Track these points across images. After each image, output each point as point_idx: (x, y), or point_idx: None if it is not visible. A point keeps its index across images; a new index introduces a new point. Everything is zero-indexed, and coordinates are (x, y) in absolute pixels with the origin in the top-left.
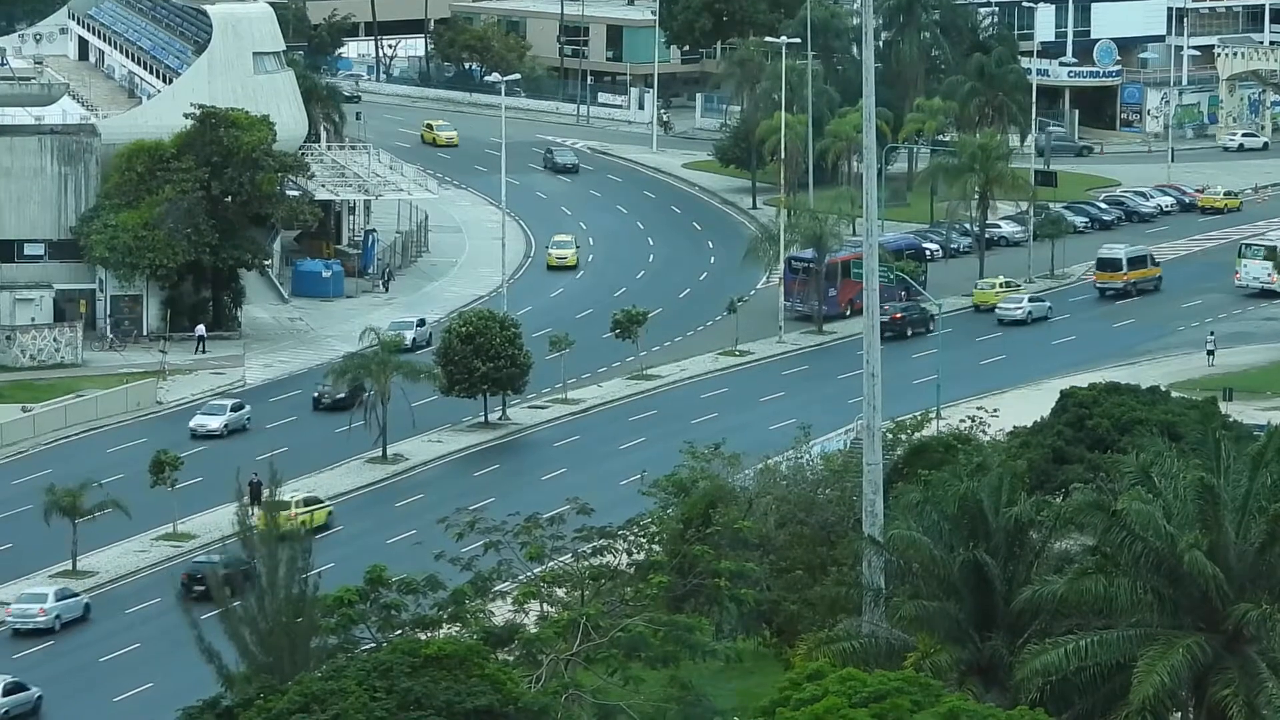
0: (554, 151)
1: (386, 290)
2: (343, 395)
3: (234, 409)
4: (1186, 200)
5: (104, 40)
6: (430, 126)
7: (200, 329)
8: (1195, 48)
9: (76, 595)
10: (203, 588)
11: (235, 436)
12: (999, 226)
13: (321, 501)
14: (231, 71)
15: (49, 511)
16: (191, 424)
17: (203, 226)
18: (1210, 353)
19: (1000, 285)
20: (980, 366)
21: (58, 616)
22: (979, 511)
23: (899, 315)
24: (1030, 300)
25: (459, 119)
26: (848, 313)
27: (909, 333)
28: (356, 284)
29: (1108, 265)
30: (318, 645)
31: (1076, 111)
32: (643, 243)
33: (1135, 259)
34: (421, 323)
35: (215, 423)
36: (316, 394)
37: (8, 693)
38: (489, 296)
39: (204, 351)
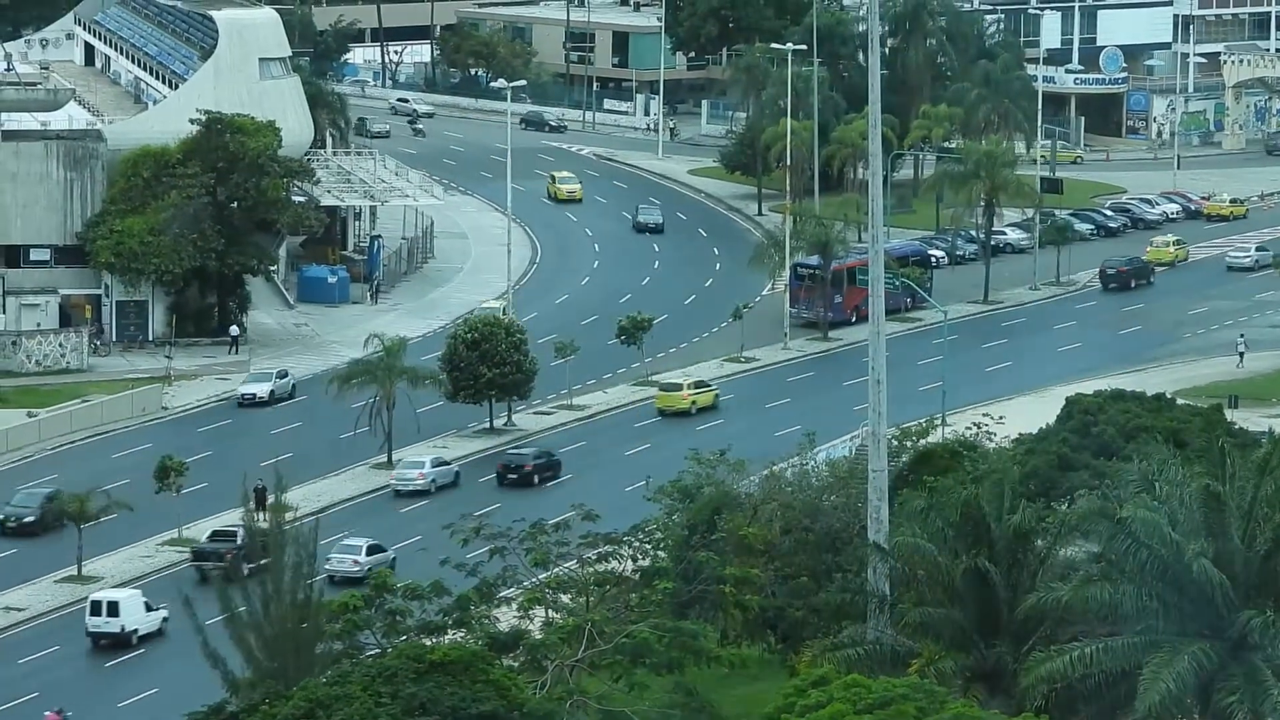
0: (641, 210)
1: (375, 302)
2: (33, 519)
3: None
4: (1192, 207)
5: (110, 46)
6: (554, 178)
7: (234, 329)
8: (1201, 55)
9: (449, 464)
10: (515, 477)
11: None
12: (1004, 233)
13: (709, 384)
14: (237, 77)
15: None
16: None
17: (208, 232)
18: (1241, 354)
19: (1173, 244)
20: (986, 373)
21: (433, 481)
22: (981, 519)
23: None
24: (1257, 249)
25: (464, 125)
26: (853, 319)
27: (1132, 284)
28: (362, 289)
29: None
30: (323, 651)
31: (1082, 119)
32: (648, 249)
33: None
34: (283, 374)
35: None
36: (2, 516)
37: (369, 553)
38: (494, 301)
39: (237, 352)
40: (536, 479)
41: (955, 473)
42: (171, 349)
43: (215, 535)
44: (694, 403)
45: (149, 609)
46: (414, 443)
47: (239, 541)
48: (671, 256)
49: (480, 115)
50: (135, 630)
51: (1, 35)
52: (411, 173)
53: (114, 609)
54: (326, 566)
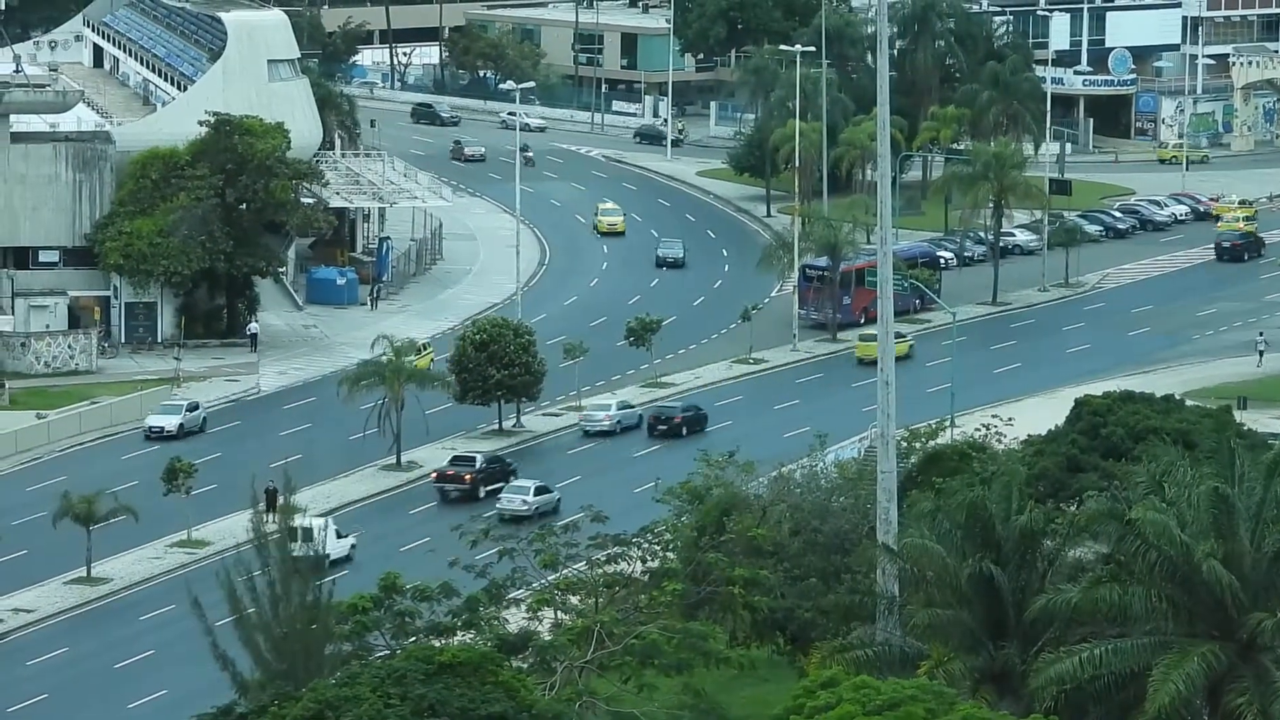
0: (662, 243)
1: (375, 308)
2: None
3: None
4: (1201, 209)
5: (119, 47)
6: (598, 209)
7: (254, 326)
8: (1210, 57)
9: (633, 408)
10: (664, 428)
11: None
12: (1013, 235)
13: (904, 335)
14: (246, 79)
15: (58, 518)
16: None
17: (217, 234)
18: (1260, 353)
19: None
20: (994, 374)
21: (619, 422)
22: (989, 520)
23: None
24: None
25: (473, 128)
26: (862, 321)
27: (1245, 257)
28: (385, 285)
29: None
30: (332, 652)
31: (1091, 120)
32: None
33: None
34: (194, 407)
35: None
36: None
37: (537, 493)
38: (503, 304)
39: (256, 350)
40: (684, 430)
41: (964, 474)
42: (180, 350)
43: (456, 460)
44: None
45: (339, 536)
46: (423, 444)
47: (478, 465)
48: (680, 258)
49: (489, 117)
50: (327, 555)
51: (10, 37)
52: (420, 174)
53: (308, 534)
54: (497, 506)
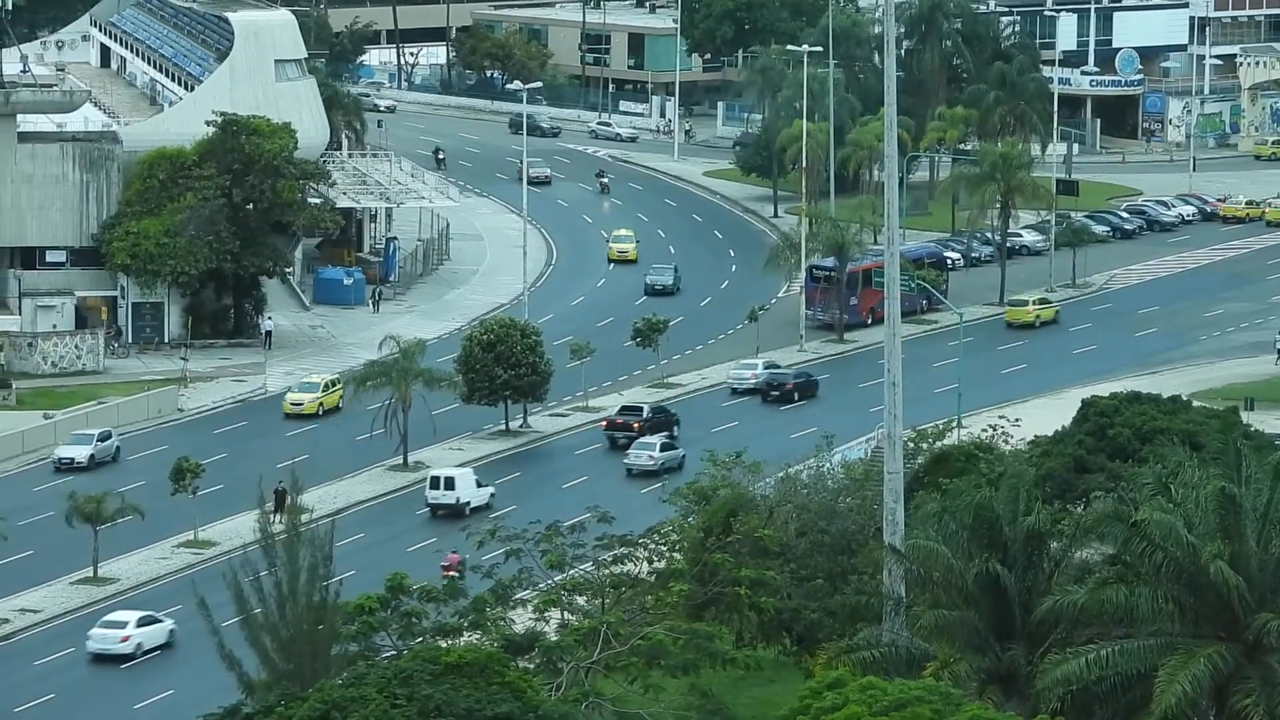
0: (652, 270)
1: (378, 311)
2: None
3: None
4: (1208, 209)
5: (126, 47)
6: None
7: (269, 323)
8: (1217, 57)
9: (780, 368)
10: (777, 394)
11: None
12: (1020, 235)
13: (1051, 302)
14: (253, 79)
15: (70, 518)
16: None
17: (224, 234)
18: (1279, 352)
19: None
20: (1001, 375)
21: (766, 381)
22: (994, 521)
23: None
24: None
25: (480, 127)
26: (869, 321)
27: None
28: (386, 288)
29: None
30: (338, 652)
31: (1098, 121)
32: (664, 251)
33: None
34: (105, 436)
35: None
36: None
37: (662, 449)
38: (510, 304)
39: (269, 347)
40: (796, 396)
41: (971, 475)
42: (187, 350)
43: (624, 409)
44: (1038, 317)
45: (478, 485)
46: (430, 445)
47: (645, 414)
48: (687, 259)
49: (496, 117)
50: (468, 503)
51: (17, 37)
52: (427, 174)
53: (450, 483)
54: (625, 462)
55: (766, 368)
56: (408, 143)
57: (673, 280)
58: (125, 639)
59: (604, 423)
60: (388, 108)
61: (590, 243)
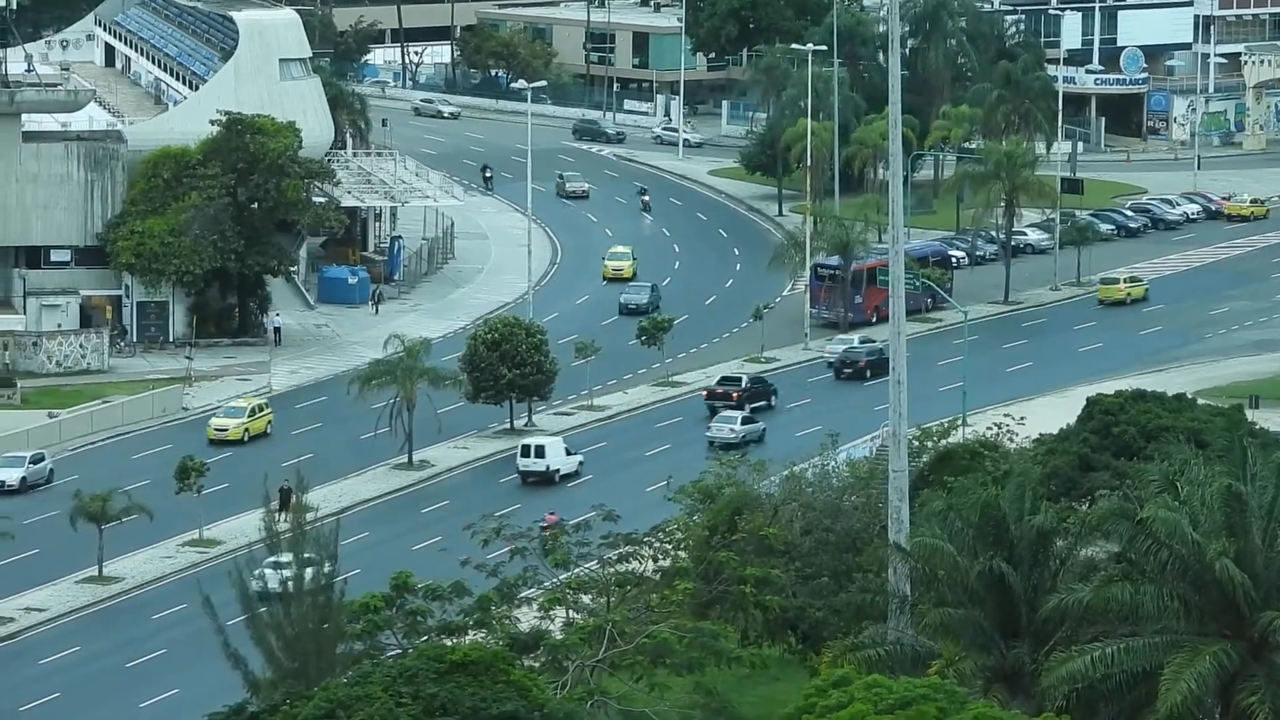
0: (627, 290)
1: (377, 313)
2: None
3: (34, 460)
4: (1213, 208)
5: (130, 46)
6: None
7: (277, 320)
8: (1222, 55)
9: (873, 341)
10: (850, 371)
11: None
12: (1025, 234)
13: (1140, 280)
14: (258, 78)
15: (75, 517)
16: None
17: (228, 233)
18: None
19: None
20: (1006, 373)
21: (867, 354)
22: (1000, 520)
23: None
24: None
25: (485, 126)
26: (873, 320)
27: None
28: (386, 289)
29: None
30: (343, 651)
31: (1103, 119)
32: (668, 249)
33: None
34: (38, 459)
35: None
36: None
37: (744, 423)
38: (515, 303)
39: (279, 343)
40: (869, 373)
41: (976, 473)
42: (192, 350)
43: (724, 379)
44: (1129, 294)
45: (568, 453)
46: (434, 443)
47: (744, 385)
48: (692, 257)
49: (500, 116)
50: (558, 470)
51: (22, 36)
52: (432, 173)
53: (540, 451)
54: (707, 434)
55: (863, 342)
56: (412, 142)
57: (648, 299)
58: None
59: (704, 392)
60: (451, 114)
61: (594, 241)
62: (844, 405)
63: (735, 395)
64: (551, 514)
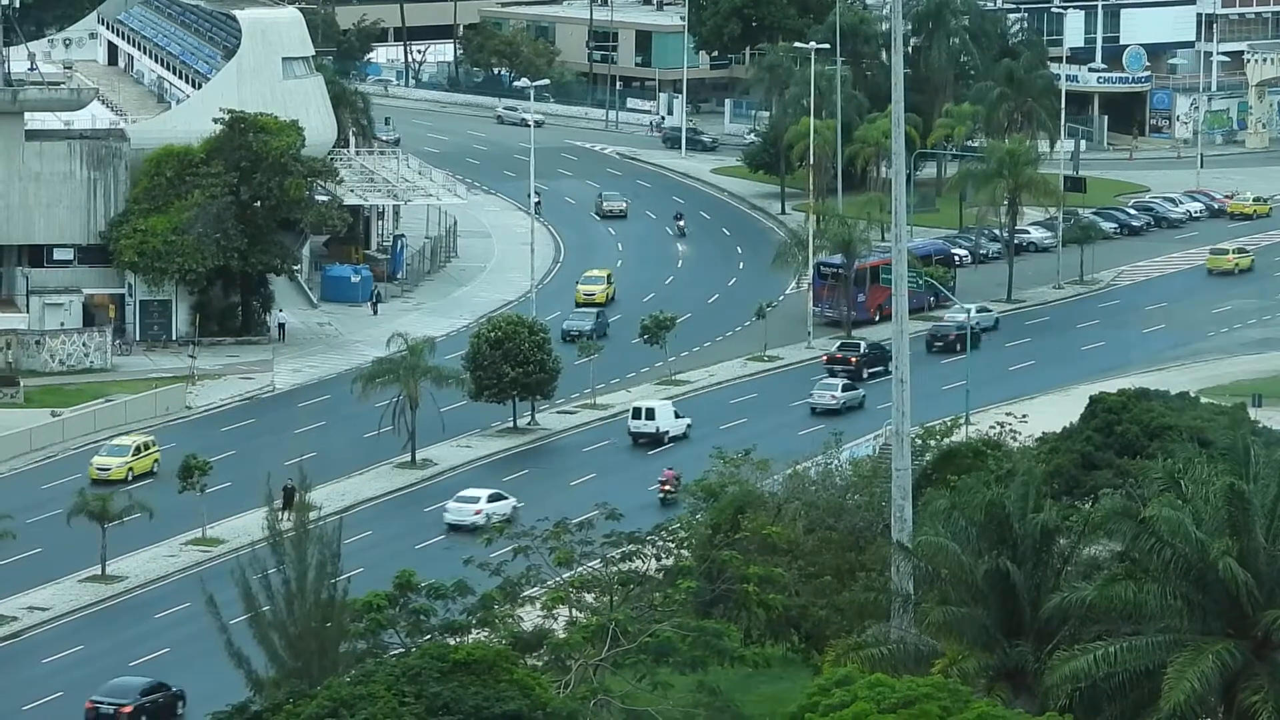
0: (572, 316)
1: (375, 313)
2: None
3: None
4: (1216, 206)
5: (133, 45)
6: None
7: (283, 316)
8: (1225, 53)
9: (991, 311)
10: (941, 344)
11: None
12: (1028, 232)
13: (1248, 251)
14: (260, 77)
15: (71, 516)
16: None
17: (231, 231)
18: None
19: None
20: (1009, 372)
21: (979, 325)
22: (1004, 519)
23: None
24: None
25: (487, 125)
26: (876, 318)
27: None
28: (385, 289)
29: None
30: (347, 650)
31: (1105, 117)
32: (671, 248)
33: None
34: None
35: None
36: None
37: (844, 390)
38: (518, 301)
39: (283, 339)
40: (959, 346)
41: (979, 472)
42: (195, 348)
43: (843, 345)
44: (1237, 265)
45: (676, 416)
46: (438, 442)
47: (862, 350)
48: (695, 256)
49: (504, 114)
50: (666, 432)
51: (25, 35)
52: (435, 172)
53: (650, 414)
54: (809, 400)
55: (980, 310)
56: (415, 139)
57: (592, 326)
58: (478, 512)
59: (824, 357)
60: (537, 122)
61: (598, 240)
62: (932, 378)
63: (853, 360)
64: (670, 470)
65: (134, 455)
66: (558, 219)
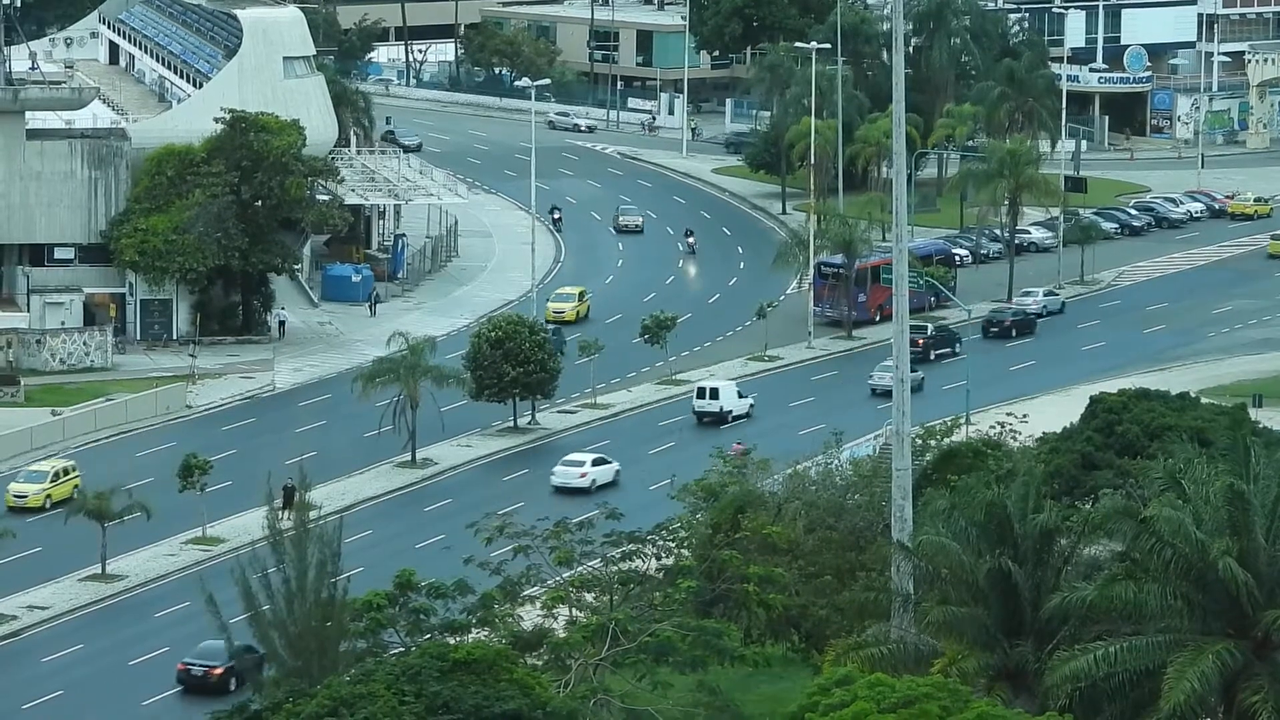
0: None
1: (373, 314)
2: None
3: None
4: (1216, 206)
5: (134, 44)
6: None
7: (284, 313)
8: (1226, 54)
9: (1057, 294)
10: (996, 330)
11: None
12: (1029, 232)
13: None
14: (261, 76)
15: (69, 514)
16: None
17: (232, 231)
18: None
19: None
20: (1010, 372)
21: (1045, 307)
22: (1005, 519)
23: None
24: None
25: (488, 124)
26: (877, 318)
27: None
28: (386, 288)
29: None
30: (347, 649)
31: (1106, 117)
32: (672, 248)
33: None
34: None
35: None
36: None
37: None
38: (518, 301)
39: (283, 337)
40: (1014, 332)
41: (979, 472)
42: (195, 347)
43: (910, 328)
44: None
45: (739, 395)
46: (438, 441)
47: (929, 333)
48: (697, 254)
49: (504, 114)
50: (730, 411)
51: (26, 34)
52: (435, 171)
53: (714, 393)
54: (869, 382)
55: (1047, 294)
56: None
57: (561, 340)
58: (583, 475)
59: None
60: (588, 128)
61: (598, 239)
62: (989, 362)
63: (919, 342)
64: (739, 444)
65: (52, 481)
66: (571, 226)
